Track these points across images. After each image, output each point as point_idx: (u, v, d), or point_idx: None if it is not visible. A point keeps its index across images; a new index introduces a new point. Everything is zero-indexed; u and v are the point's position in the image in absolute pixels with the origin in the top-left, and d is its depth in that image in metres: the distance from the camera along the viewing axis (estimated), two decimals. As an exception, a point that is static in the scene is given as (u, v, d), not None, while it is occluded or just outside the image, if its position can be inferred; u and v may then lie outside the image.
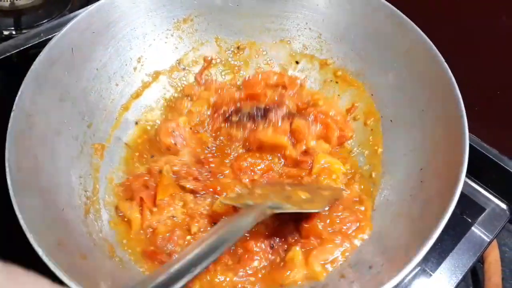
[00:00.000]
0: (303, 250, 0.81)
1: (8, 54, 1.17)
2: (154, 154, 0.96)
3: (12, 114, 0.75)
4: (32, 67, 0.80)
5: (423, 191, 0.78)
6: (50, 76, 0.83)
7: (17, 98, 0.76)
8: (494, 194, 1.02)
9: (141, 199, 0.86)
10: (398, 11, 0.92)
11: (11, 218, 0.64)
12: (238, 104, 0.99)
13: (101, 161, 0.91)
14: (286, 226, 0.84)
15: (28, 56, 1.18)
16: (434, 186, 0.77)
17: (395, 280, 0.62)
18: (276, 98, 1.00)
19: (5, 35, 1.27)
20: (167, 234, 0.83)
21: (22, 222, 0.64)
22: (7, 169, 0.69)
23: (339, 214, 0.85)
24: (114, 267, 0.76)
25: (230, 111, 0.97)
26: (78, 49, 0.88)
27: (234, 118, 0.95)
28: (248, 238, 0.82)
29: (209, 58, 1.07)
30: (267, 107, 0.95)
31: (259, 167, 0.93)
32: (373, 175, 0.91)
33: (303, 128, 0.94)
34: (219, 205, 0.85)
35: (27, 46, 1.19)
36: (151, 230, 0.84)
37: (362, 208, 0.86)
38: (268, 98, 1.00)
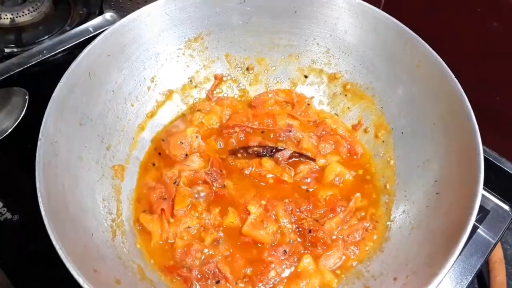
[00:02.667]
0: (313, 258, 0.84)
1: (11, 73, 1.17)
2: (154, 162, 0.98)
3: (38, 143, 0.75)
4: (54, 94, 0.81)
5: (440, 203, 0.81)
6: (70, 102, 0.84)
7: (42, 126, 0.77)
8: (496, 195, 1.05)
9: (162, 210, 0.88)
10: (406, 27, 0.94)
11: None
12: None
13: (121, 182, 0.92)
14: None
15: (30, 73, 1.18)
16: (451, 197, 0.79)
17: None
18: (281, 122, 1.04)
19: (7, 53, 1.25)
20: (185, 248, 0.85)
21: (60, 252, 0.65)
22: (39, 199, 0.69)
23: (346, 222, 0.89)
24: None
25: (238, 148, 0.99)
26: (95, 73, 0.89)
27: (241, 155, 0.98)
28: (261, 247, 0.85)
29: (219, 75, 1.09)
30: (275, 147, 0.98)
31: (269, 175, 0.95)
32: (388, 186, 0.94)
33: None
34: (231, 221, 0.88)
35: (30, 64, 1.19)
36: (169, 242, 0.86)
37: (363, 214, 0.91)
38: (277, 123, 1.04)
